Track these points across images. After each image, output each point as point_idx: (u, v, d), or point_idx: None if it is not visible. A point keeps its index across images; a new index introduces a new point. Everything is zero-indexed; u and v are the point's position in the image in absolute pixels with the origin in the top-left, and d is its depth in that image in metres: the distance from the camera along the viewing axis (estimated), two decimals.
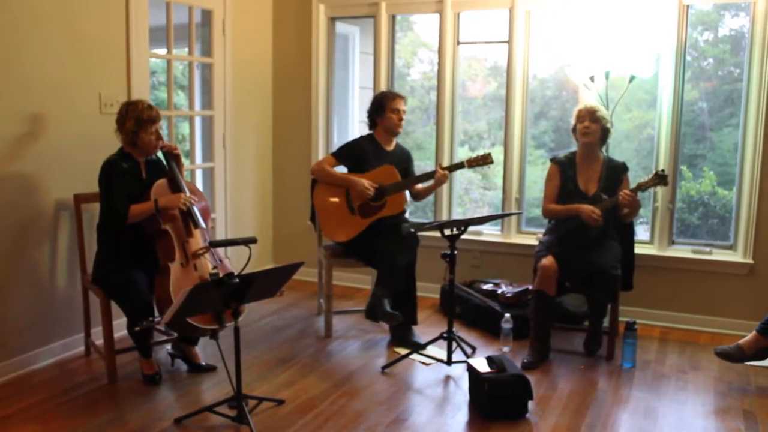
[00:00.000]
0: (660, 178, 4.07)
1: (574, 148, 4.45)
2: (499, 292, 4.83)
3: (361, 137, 4.70)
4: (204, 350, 4.10)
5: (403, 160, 4.68)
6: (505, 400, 3.47)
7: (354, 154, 4.60)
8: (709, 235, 5.16)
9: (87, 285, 4.07)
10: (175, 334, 4.07)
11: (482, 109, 6.23)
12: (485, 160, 4.48)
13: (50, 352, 4.13)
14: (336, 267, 4.71)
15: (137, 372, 3.93)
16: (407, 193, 4.65)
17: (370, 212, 4.50)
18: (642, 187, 4.09)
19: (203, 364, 4.04)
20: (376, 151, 4.59)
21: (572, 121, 4.35)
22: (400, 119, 4.57)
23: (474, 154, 4.56)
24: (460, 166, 4.53)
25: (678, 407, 3.65)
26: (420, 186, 4.65)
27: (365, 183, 4.45)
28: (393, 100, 4.55)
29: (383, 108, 4.56)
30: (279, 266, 3.29)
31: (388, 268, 4.37)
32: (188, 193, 3.86)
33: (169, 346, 4.24)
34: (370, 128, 4.68)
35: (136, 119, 3.74)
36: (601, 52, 4.69)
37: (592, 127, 4.23)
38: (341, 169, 4.67)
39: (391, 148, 4.66)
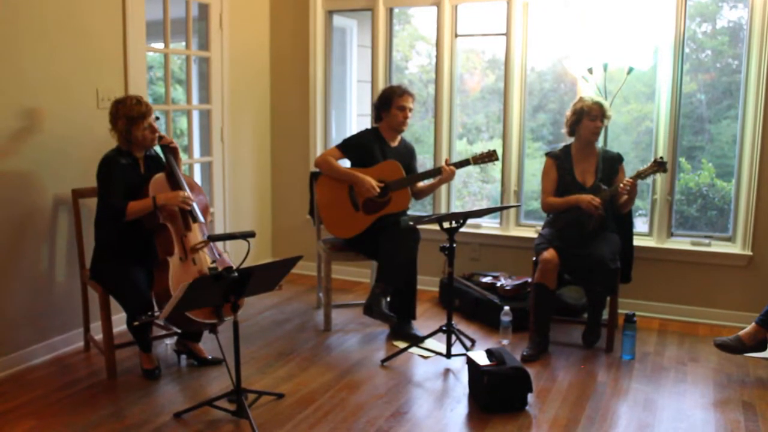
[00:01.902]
0: (659, 165, 4.08)
1: (569, 141, 4.43)
2: (498, 284, 4.84)
3: (367, 130, 4.63)
4: (204, 344, 4.09)
5: (406, 156, 4.63)
6: (504, 392, 3.47)
7: (359, 147, 4.52)
8: (707, 226, 5.16)
9: (86, 280, 4.07)
10: (176, 330, 4.06)
11: (480, 102, 6.22)
12: (491, 157, 4.40)
13: (49, 348, 4.12)
14: (335, 260, 4.70)
15: (137, 367, 3.93)
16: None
17: (374, 209, 4.45)
18: (641, 174, 4.10)
19: (209, 357, 4.05)
20: (380, 146, 4.53)
21: (573, 115, 4.30)
22: (406, 117, 4.47)
23: (479, 151, 4.46)
24: (465, 163, 4.43)
25: (677, 399, 3.65)
26: (422, 184, 4.60)
27: (371, 182, 4.37)
28: (401, 96, 4.45)
29: (389, 104, 4.46)
30: (278, 260, 3.28)
31: (388, 265, 4.34)
32: (187, 188, 3.85)
33: (169, 341, 4.25)
34: (376, 121, 4.62)
35: (126, 117, 3.71)
36: (599, 44, 4.68)
37: (603, 125, 4.25)
38: (344, 162, 4.63)
39: (395, 144, 4.58)
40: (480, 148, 6.31)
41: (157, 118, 3.90)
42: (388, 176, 4.44)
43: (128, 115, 3.71)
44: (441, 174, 4.42)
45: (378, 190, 4.38)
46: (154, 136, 3.82)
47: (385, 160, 4.48)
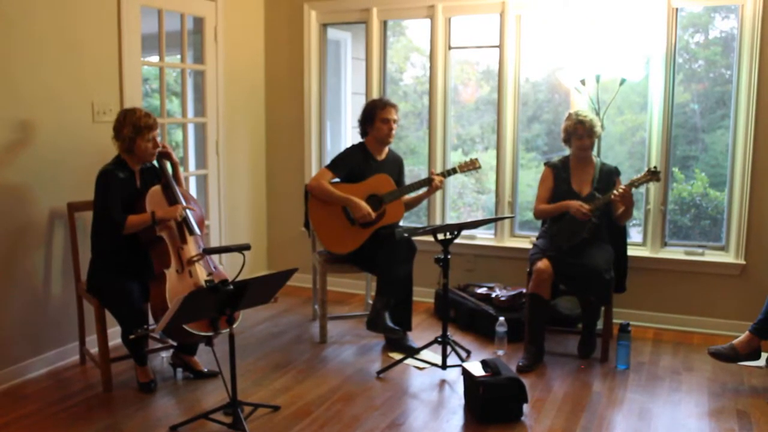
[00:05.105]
0: (653, 174, 4.11)
1: (567, 152, 4.47)
2: (494, 295, 4.85)
3: (353, 147, 4.66)
4: (199, 357, 4.10)
5: (394, 169, 4.68)
6: (500, 403, 3.48)
7: (348, 164, 4.55)
8: (701, 236, 5.19)
9: (81, 293, 4.07)
10: (172, 343, 4.07)
11: (475, 113, 6.25)
12: (474, 164, 4.56)
13: (44, 361, 4.12)
14: (330, 273, 4.71)
15: (132, 380, 3.93)
16: None
17: (371, 222, 4.47)
18: (635, 183, 4.13)
19: (205, 370, 4.05)
20: (367, 161, 4.58)
21: (563, 133, 4.37)
22: (390, 129, 4.52)
23: (463, 160, 4.63)
24: (452, 171, 4.57)
25: (672, 408, 3.66)
26: (410, 196, 4.65)
27: (367, 209, 4.39)
28: (383, 109, 4.50)
29: (373, 118, 4.52)
30: (273, 273, 3.30)
31: (387, 279, 4.36)
32: (183, 201, 3.87)
33: (165, 354, 4.25)
34: (362, 136, 4.67)
35: (133, 125, 3.73)
36: (592, 55, 4.71)
37: (591, 142, 4.29)
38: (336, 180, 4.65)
39: (382, 157, 4.63)
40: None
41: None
42: (380, 189, 4.49)
43: (136, 124, 3.74)
44: (431, 184, 4.50)
45: (374, 215, 4.42)
46: (154, 151, 3.85)
47: (373, 174, 4.53)
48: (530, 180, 5.56)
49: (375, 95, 5.55)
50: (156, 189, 3.86)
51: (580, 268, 4.12)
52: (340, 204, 4.47)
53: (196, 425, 3.39)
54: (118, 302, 3.70)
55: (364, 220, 4.42)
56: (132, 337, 3.59)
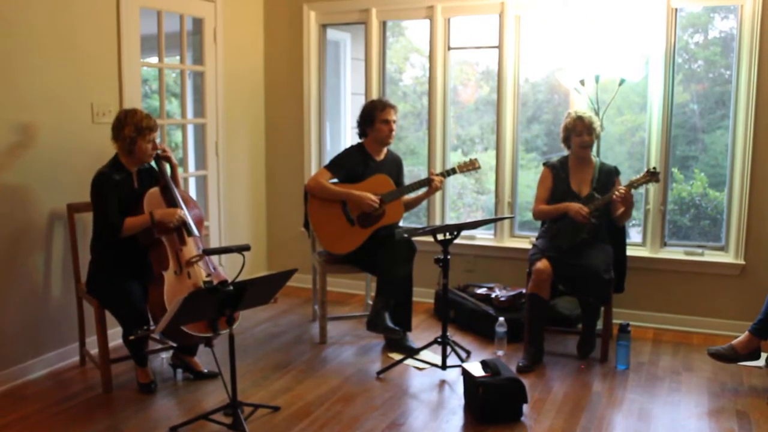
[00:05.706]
0: (652, 175, 4.12)
1: (566, 152, 4.47)
2: (493, 296, 4.85)
3: (352, 148, 4.66)
4: (199, 358, 4.10)
5: (393, 169, 4.68)
6: (499, 403, 3.48)
7: (347, 165, 4.55)
8: (700, 236, 5.19)
9: (81, 294, 4.07)
10: (172, 344, 4.07)
11: (475, 113, 6.25)
12: (473, 165, 4.55)
13: (45, 363, 4.12)
14: (330, 273, 4.71)
15: (132, 381, 3.93)
16: None
17: (370, 222, 4.48)
18: (634, 183, 4.13)
19: (205, 371, 4.05)
20: (365, 162, 4.57)
21: (563, 131, 4.37)
22: (391, 130, 4.52)
23: (462, 161, 4.61)
24: (452, 172, 4.56)
25: (672, 408, 3.66)
26: (410, 196, 4.65)
27: (369, 196, 4.41)
28: (383, 110, 4.49)
29: (373, 119, 4.51)
30: (273, 273, 3.30)
31: (387, 279, 4.36)
32: (182, 203, 3.87)
33: (165, 355, 4.25)
34: (360, 137, 4.66)
35: (135, 126, 3.73)
36: (591, 55, 4.71)
37: (591, 140, 4.29)
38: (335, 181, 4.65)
39: (381, 157, 4.63)
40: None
41: None
42: (379, 190, 4.50)
43: (138, 124, 3.73)
44: (431, 184, 4.50)
45: (377, 201, 4.41)
46: (153, 152, 3.85)
47: (372, 175, 4.53)
48: (530, 180, 5.56)
49: (374, 96, 5.55)
50: (154, 191, 3.86)
51: (580, 268, 4.12)
52: (340, 199, 4.47)
53: (196, 426, 3.40)
54: (118, 302, 3.71)
55: (370, 208, 4.42)
56: (132, 338, 3.60)
